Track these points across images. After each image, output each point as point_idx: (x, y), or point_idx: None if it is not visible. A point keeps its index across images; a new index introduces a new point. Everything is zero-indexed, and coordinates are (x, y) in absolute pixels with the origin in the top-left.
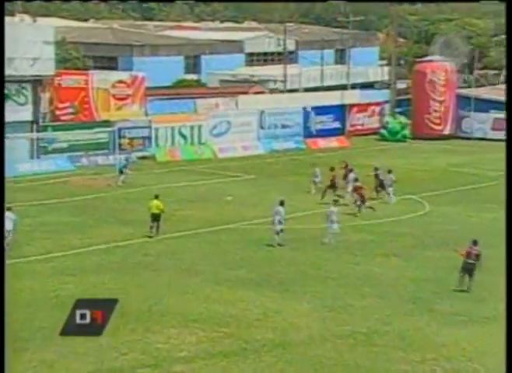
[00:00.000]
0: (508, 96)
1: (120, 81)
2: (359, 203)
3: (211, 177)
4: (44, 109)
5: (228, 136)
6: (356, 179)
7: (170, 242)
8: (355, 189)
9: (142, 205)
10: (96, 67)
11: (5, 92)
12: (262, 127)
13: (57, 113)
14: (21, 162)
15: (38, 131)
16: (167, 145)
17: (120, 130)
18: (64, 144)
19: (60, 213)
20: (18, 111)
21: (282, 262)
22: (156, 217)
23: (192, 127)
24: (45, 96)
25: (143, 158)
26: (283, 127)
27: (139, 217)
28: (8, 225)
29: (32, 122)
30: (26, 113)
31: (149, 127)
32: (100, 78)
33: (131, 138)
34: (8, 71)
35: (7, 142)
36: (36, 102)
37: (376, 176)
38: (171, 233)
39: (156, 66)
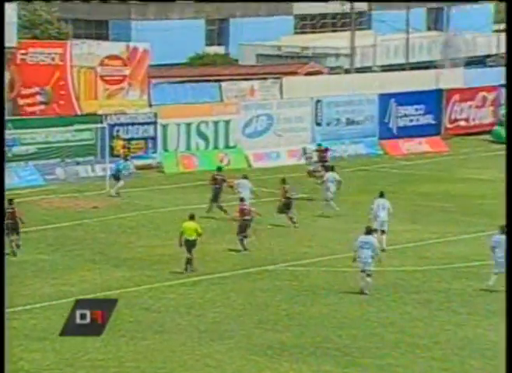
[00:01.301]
0: (508, 96)
1: (113, 57)
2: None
3: None
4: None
5: (268, 136)
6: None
7: (185, 290)
8: (239, 212)
9: (142, 236)
10: (77, 36)
11: None
12: (318, 124)
13: (21, 102)
14: None
15: None
16: (180, 150)
17: (111, 127)
18: (31, 148)
19: (25, 248)
20: None
21: (348, 321)
22: (192, 246)
23: (216, 124)
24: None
25: (145, 168)
26: (349, 123)
27: (139, 255)
28: None
29: None
30: None
31: (154, 124)
32: (83, 52)
33: (128, 140)
34: None
35: None
36: None
37: (285, 192)
38: (187, 278)
39: (165, 34)
